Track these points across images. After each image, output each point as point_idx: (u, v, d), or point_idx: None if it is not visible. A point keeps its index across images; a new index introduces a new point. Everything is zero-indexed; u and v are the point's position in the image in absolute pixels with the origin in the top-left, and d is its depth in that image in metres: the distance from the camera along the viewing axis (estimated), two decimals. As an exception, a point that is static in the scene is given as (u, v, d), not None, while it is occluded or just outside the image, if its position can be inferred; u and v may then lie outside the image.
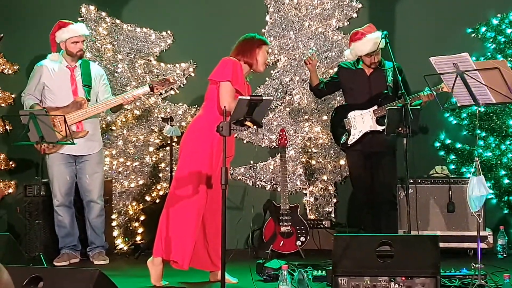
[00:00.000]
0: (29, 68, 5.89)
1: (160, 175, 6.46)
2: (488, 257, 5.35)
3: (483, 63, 4.36)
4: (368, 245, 4.03)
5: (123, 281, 4.50)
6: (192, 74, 6.52)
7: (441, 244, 4.28)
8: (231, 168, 6.26)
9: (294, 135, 6.45)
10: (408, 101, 4.80)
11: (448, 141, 6.19)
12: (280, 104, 6.48)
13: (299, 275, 4.29)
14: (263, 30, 6.42)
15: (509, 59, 5.89)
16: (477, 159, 4.18)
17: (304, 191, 6.45)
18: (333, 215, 6.37)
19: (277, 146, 6.30)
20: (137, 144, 6.47)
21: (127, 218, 6.40)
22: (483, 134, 6.04)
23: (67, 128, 5.05)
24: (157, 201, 6.40)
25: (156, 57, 6.54)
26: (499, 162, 5.95)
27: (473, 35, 6.20)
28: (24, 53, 6.45)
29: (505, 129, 5.99)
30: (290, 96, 6.47)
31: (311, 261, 5.30)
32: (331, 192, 6.41)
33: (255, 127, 4.17)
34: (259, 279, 4.80)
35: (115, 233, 6.30)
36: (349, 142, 5.53)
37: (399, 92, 4.98)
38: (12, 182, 6.46)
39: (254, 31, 5.06)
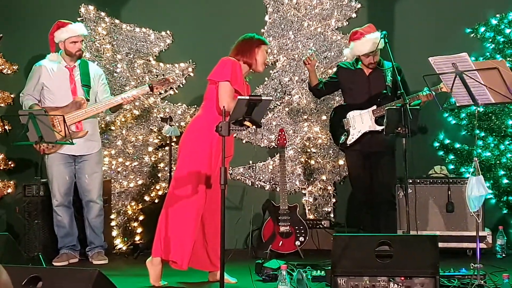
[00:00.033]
0: (28, 68, 5.89)
1: (159, 175, 6.46)
2: (487, 257, 5.35)
3: (482, 63, 4.36)
4: (367, 245, 4.03)
5: (122, 281, 4.50)
6: (191, 74, 6.52)
7: (440, 244, 4.29)
8: (230, 168, 6.27)
9: (293, 135, 6.45)
10: (407, 101, 4.80)
11: (447, 141, 6.20)
12: (279, 104, 6.48)
13: (298, 275, 4.29)
14: (262, 30, 6.42)
15: (508, 59, 5.89)
16: (476, 159, 4.17)
17: (303, 191, 6.45)
18: (332, 215, 6.37)
19: (276, 146, 6.30)
20: (136, 144, 6.47)
21: (126, 218, 6.40)
22: (482, 134, 6.04)
23: (66, 128, 5.05)
24: (156, 201, 6.40)
25: (155, 57, 6.54)
26: (498, 162, 5.95)
27: (472, 35, 6.21)
28: (24, 53, 6.45)
29: (504, 129, 5.99)
30: (289, 96, 6.47)
31: (310, 261, 5.30)
32: (330, 192, 6.42)
33: (254, 127, 4.18)
34: (258, 279, 4.80)
35: (114, 233, 6.29)
36: (348, 142, 5.53)
37: (398, 92, 4.99)
38: (11, 182, 6.46)
39: (253, 31, 5.06)
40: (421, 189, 5.67)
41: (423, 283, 3.90)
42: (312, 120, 6.44)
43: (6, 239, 4.49)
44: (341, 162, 6.27)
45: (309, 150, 6.44)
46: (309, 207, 6.41)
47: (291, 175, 6.42)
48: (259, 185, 6.49)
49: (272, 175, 6.46)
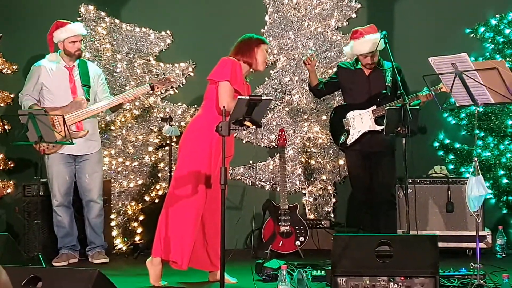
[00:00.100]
0: (28, 68, 5.88)
1: (159, 175, 6.46)
2: (487, 257, 5.35)
3: (482, 63, 4.36)
4: (367, 245, 4.03)
5: (122, 281, 4.50)
6: (191, 74, 6.52)
7: (440, 244, 4.29)
8: (230, 168, 6.26)
9: (293, 135, 6.45)
10: (407, 101, 4.79)
11: (447, 141, 6.20)
12: (279, 104, 6.48)
13: (298, 275, 4.29)
14: (262, 30, 6.43)
15: (507, 59, 5.90)
16: (476, 159, 4.17)
17: (303, 191, 6.45)
18: (332, 215, 6.37)
19: (276, 146, 6.30)
20: (136, 144, 6.47)
21: (126, 218, 6.40)
22: (482, 134, 6.04)
23: (66, 128, 5.04)
24: (156, 201, 6.40)
25: (155, 57, 6.54)
26: (497, 162, 5.95)
27: (471, 35, 6.21)
28: (23, 53, 6.44)
29: (503, 129, 5.99)
30: (289, 96, 6.47)
31: (310, 261, 5.30)
32: (330, 192, 6.42)
33: (254, 127, 4.17)
34: (258, 279, 4.80)
35: (114, 233, 6.29)
36: (348, 142, 5.53)
37: (398, 92, 4.99)
38: (11, 182, 6.45)
39: (253, 31, 5.07)
40: (421, 189, 5.67)
41: (423, 283, 3.90)
42: (312, 120, 6.44)
43: (5, 239, 4.49)
44: (341, 162, 6.27)
45: (309, 150, 6.44)
46: (309, 207, 6.41)
47: (291, 175, 6.42)
48: (259, 185, 6.49)
49: (272, 175, 6.46)
